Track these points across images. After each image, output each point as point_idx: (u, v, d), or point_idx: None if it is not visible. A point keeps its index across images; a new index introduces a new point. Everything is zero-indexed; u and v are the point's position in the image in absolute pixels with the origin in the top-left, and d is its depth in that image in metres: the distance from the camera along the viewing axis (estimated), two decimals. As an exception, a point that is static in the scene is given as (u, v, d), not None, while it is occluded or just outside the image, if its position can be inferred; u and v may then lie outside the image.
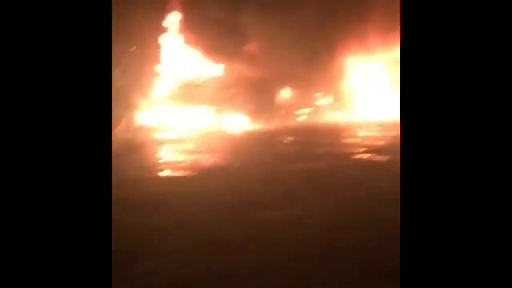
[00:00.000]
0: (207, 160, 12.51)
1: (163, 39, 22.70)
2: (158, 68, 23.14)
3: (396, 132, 13.83)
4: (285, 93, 21.87)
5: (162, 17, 22.07)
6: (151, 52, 22.58)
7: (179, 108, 22.02)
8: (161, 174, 10.96)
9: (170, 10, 22.20)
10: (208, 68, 21.90)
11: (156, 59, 22.85)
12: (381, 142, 13.42)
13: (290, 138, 16.00)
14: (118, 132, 18.99)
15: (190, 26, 21.45)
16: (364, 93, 20.63)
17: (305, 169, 10.52)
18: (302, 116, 20.85)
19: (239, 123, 20.00)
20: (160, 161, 12.97)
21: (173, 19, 22.38)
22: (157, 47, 22.73)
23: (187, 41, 21.67)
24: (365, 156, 11.74)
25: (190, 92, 22.26)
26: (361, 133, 15.89)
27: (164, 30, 22.62)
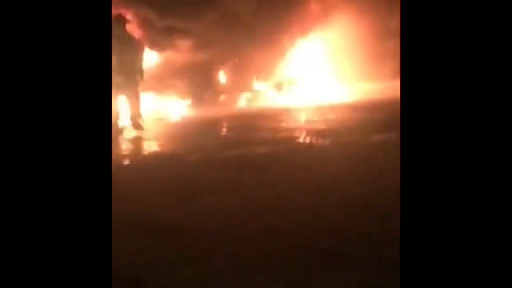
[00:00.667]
0: (151, 146, 12.49)
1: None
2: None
3: (336, 115, 14.12)
4: (225, 78, 21.87)
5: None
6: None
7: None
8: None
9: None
10: (149, 55, 21.69)
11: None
12: (321, 126, 13.59)
13: (231, 123, 16.05)
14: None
15: (133, 14, 21.16)
16: (303, 77, 20.81)
17: (246, 154, 10.61)
18: (242, 100, 20.93)
19: (180, 109, 19.94)
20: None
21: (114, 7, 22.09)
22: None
23: (129, 28, 21.38)
24: (306, 140, 11.88)
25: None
26: (301, 117, 16.04)
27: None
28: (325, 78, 20.12)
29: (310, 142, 11.49)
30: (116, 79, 18.59)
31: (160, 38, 20.60)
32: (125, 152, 11.71)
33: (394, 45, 17.25)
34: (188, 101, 20.71)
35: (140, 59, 14.85)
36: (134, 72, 14.50)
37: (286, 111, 17.40)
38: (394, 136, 9.96)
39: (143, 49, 15.59)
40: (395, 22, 17.27)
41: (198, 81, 20.99)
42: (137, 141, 13.36)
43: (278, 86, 20.98)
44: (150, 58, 21.44)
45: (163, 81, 21.05)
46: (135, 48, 14.86)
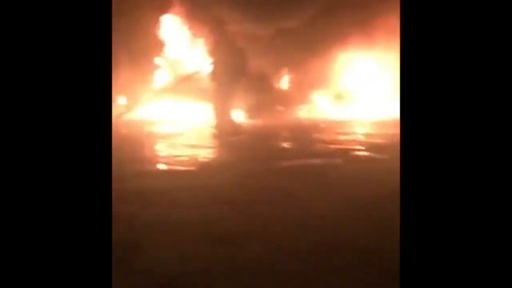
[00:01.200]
0: (205, 154, 12.50)
1: (163, 33, 22.66)
2: (157, 61, 23.10)
3: (396, 131, 13.83)
4: (283, 89, 21.84)
5: (163, 10, 22.03)
6: (151, 45, 22.54)
7: (178, 102, 22.00)
8: (159, 167, 10.94)
9: (171, 4, 22.17)
10: (206, 62, 21.86)
11: (155, 52, 22.81)
12: (379, 140, 13.40)
13: (287, 134, 15.99)
14: (117, 125, 18.95)
15: (191, 19, 21.38)
16: (361, 90, 20.62)
17: (301, 165, 10.53)
18: (300, 112, 20.84)
19: (236, 118, 19.97)
20: (158, 154, 12.95)
21: (174, 13, 22.34)
22: (157, 40, 22.69)
23: (188, 35, 21.55)
24: (363, 153, 11.73)
25: (188, 87, 22.23)
26: (359, 131, 15.87)
27: (165, 23, 22.58)
28: (386, 92, 19.87)
29: (367, 156, 11.35)
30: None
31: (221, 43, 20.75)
32: (181, 159, 11.74)
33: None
34: (244, 110, 20.75)
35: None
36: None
37: (343, 124, 17.25)
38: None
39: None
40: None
41: (256, 90, 21.02)
42: (190, 148, 13.41)
43: (337, 98, 20.83)
44: (209, 65, 21.60)
45: (220, 88, 21.17)
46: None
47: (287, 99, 21.45)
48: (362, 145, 12.68)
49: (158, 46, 22.66)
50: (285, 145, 14.17)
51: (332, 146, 12.79)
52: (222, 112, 19.91)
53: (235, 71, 21.20)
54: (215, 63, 21.17)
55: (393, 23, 19.18)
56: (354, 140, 13.78)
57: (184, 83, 22.51)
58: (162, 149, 13.83)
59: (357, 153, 11.82)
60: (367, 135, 14.85)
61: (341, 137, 14.53)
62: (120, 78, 23.01)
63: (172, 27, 22.62)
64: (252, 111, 20.62)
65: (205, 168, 10.82)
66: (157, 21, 22.29)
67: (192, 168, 10.68)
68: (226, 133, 16.81)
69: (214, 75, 21.41)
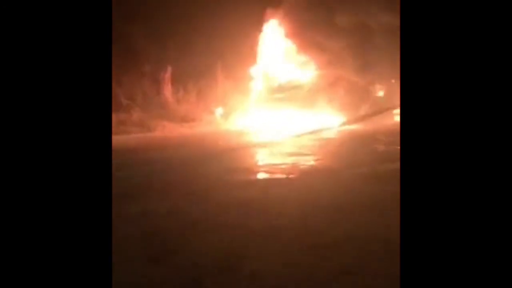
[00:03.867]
0: (305, 162, 12.47)
1: (260, 40, 22.90)
2: (254, 70, 23.35)
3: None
4: (381, 93, 21.66)
5: (260, 17, 22.28)
6: (247, 53, 22.83)
7: (275, 110, 22.15)
8: (259, 176, 11.00)
9: (269, 13, 22.36)
10: (304, 70, 21.94)
11: (252, 60, 23.08)
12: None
13: (388, 138, 15.76)
14: (216, 135, 19.26)
15: (289, 27, 21.52)
16: None
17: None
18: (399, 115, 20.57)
19: (336, 124, 19.91)
20: (258, 163, 13.03)
21: (271, 21, 22.53)
22: (254, 48, 22.96)
23: (285, 43, 21.78)
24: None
25: (286, 94, 22.36)
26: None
27: (261, 30, 22.81)
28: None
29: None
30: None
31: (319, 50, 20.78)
32: (282, 166, 11.76)
33: None
34: (343, 116, 20.67)
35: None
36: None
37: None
38: None
39: None
40: None
41: (354, 96, 20.92)
42: (290, 156, 13.42)
43: None
44: (307, 73, 21.62)
45: (318, 95, 21.14)
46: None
47: (385, 103, 21.23)
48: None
49: (254, 52, 22.90)
50: (387, 148, 13.95)
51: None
52: (320, 119, 19.86)
53: (332, 77, 21.14)
54: (313, 70, 21.20)
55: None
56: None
57: (282, 91, 22.65)
58: (261, 158, 13.92)
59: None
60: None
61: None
62: (217, 89, 23.43)
63: (270, 33, 22.81)
64: (351, 117, 20.52)
65: (306, 175, 10.78)
66: (255, 27, 22.53)
67: (294, 175, 10.68)
68: (324, 139, 16.75)
69: (312, 81, 21.42)
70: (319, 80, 22.14)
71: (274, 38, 23.11)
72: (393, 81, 20.94)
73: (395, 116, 20.64)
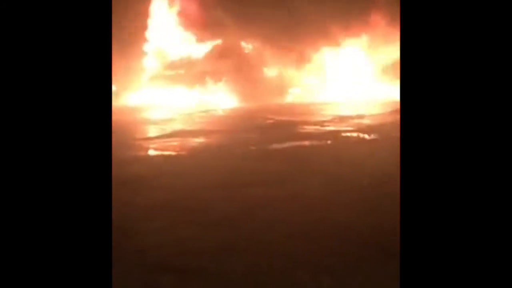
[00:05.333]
0: (196, 139, 12.58)
1: (151, 17, 22.61)
2: (146, 47, 23.07)
3: (383, 110, 14.00)
4: (273, 73, 21.91)
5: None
6: (139, 30, 22.52)
7: (167, 88, 22.04)
8: (151, 153, 11.01)
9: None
10: (195, 48, 21.87)
11: (144, 38, 22.79)
12: (367, 121, 13.55)
13: (278, 117, 16.08)
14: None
15: (180, 3, 21.35)
16: (350, 72, 20.72)
17: (293, 147, 10.64)
18: (290, 95, 20.94)
19: (227, 102, 20.04)
20: (150, 140, 13.01)
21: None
22: (145, 25, 22.65)
23: (176, 21, 21.66)
24: (353, 134, 11.85)
25: (177, 72, 22.24)
26: (348, 112, 15.99)
27: (153, 8, 22.52)
28: (372, 75, 20.02)
29: (357, 137, 11.47)
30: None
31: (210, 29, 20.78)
32: (173, 143, 11.82)
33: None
34: (234, 94, 20.80)
35: None
36: None
37: (332, 106, 17.36)
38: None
39: None
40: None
41: (246, 75, 21.06)
42: (183, 133, 13.47)
43: (326, 82, 20.92)
44: (198, 51, 21.58)
45: (210, 72, 21.17)
46: None
47: (276, 83, 21.52)
48: (351, 127, 12.79)
49: (145, 29, 22.61)
50: (276, 128, 14.25)
51: (322, 129, 12.91)
52: (211, 97, 19.96)
53: (224, 56, 21.21)
54: (204, 48, 21.20)
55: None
56: (343, 122, 13.89)
57: (173, 68, 22.52)
58: (152, 135, 13.89)
59: (346, 134, 11.93)
60: (356, 116, 14.96)
61: (330, 119, 14.64)
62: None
63: (161, 13, 22.58)
64: (242, 95, 20.67)
65: (196, 152, 10.91)
66: (145, 8, 22.24)
67: (184, 152, 10.78)
68: (215, 117, 16.89)
69: (203, 60, 21.43)
70: (212, 58, 22.16)
71: (165, 14, 22.90)
72: (284, 55, 21.21)
73: (285, 96, 20.98)
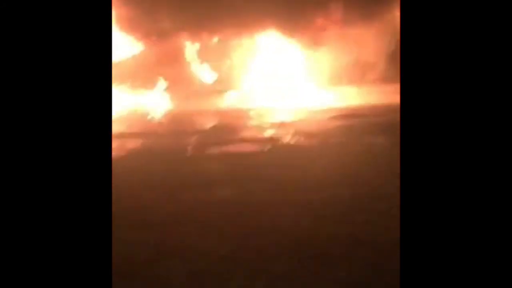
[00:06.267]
0: (132, 142, 12.58)
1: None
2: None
3: (322, 116, 14.23)
4: (211, 75, 21.84)
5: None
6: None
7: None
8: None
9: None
10: (126, 47, 21.59)
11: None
12: (308, 127, 13.77)
13: (216, 121, 16.16)
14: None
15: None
16: (291, 78, 20.88)
17: (231, 152, 10.80)
18: (228, 99, 20.96)
19: (163, 104, 19.93)
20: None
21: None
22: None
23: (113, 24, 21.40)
24: (293, 139, 12.06)
25: (115, 74, 21.91)
26: (289, 118, 16.17)
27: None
28: (313, 81, 20.25)
29: (297, 142, 11.68)
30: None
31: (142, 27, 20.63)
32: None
33: (382, 49, 17.59)
34: (171, 97, 20.64)
35: None
36: None
37: (273, 111, 17.53)
38: (381, 139, 10.24)
39: None
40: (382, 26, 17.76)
41: (181, 74, 20.93)
42: (120, 136, 13.42)
43: (265, 86, 21.00)
44: (130, 50, 21.36)
45: (142, 75, 20.99)
46: None
47: (215, 86, 21.48)
48: (290, 133, 12.99)
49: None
50: (214, 132, 14.34)
51: (261, 133, 13.09)
52: (147, 98, 19.84)
53: (157, 55, 21.10)
54: (136, 47, 21.03)
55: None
56: (283, 128, 14.07)
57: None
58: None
59: (285, 140, 12.13)
60: (296, 122, 15.17)
61: (270, 124, 14.81)
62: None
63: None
64: (179, 98, 20.56)
65: (133, 155, 10.94)
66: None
67: (122, 154, 10.78)
68: (152, 119, 16.86)
69: (137, 59, 21.26)
70: (150, 60, 21.97)
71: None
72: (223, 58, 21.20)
73: (224, 99, 20.94)
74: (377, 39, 19.03)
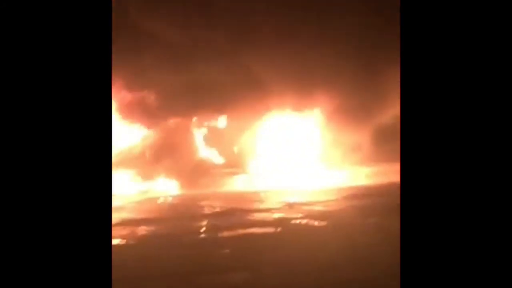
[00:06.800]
0: (143, 228, 12.71)
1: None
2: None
3: (332, 197, 14.36)
4: (217, 158, 21.97)
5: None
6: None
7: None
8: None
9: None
10: (132, 134, 21.82)
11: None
12: (317, 208, 13.90)
13: (226, 204, 16.30)
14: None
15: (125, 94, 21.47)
16: (299, 159, 21.03)
17: (241, 235, 10.95)
18: (237, 182, 21.06)
19: (170, 188, 20.04)
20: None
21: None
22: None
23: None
24: (303, 221, 12.20)
25: (120, 160, 22.10)
26: (299, 199, 16.27)
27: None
28: (322, 162, 20.42)
29: (307, 223, 11.82)
30: None
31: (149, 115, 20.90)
32: (122, 232, 11.95)
33: (389, 129, 17.86)
34: (177, 180, 20.71)
35: None
36: None
37: (282, 193, 17.62)
38: (390, 220, 10.42)
39: None
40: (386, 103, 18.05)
41: (188, 159, 21.08)
42: (129, 223, 13.56)
43: (270, 168, 21.06)
44: (134, 137, 21.59)
45: (151, 158, 21.12)
46: None
47: (220, 169, 21.60)
48: (301, 213, 13.14)
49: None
50: (224, 216, 14.47)
51: (272, 215, 13.23)
52: (153, 183, 20.00)
53: (163, 140, 21.36)
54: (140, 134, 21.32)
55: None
56: (293, 209, 14.21)
57: (115, 158, 22.55)
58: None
59: (296, 221, 12.28)
60: (306, 203, 15.30)
61: (280, 206, 14.92)
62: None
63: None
64: (185, 181, 20.64)
65: (145, 241, 11.09)
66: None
67: (132, 242, 10.93)
68: (160, 204, 17.00)
69: (143, 145, 21.53)
70: (154, 145, 22.23)
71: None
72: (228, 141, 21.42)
73: (229, 182, 21.01)
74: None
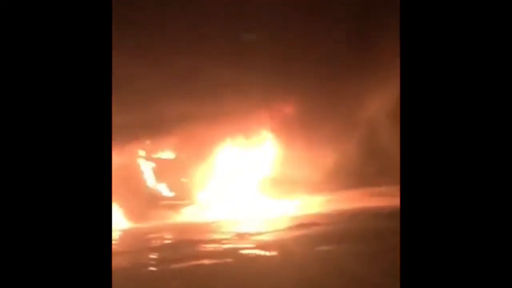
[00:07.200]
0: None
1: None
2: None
3: (282, 226, 14.49)
4: (165, 188, 21.83)
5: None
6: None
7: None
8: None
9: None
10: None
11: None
12: (267, 237, 14.00)
13: (172, 235, 16.26)
14: None
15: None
16: (246, 188, 21.08)
17: (191, 267, 10.97)
18: (186, 213, 21.00)
19: (118, 222, 19.86)
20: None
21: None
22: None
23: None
24: (252, 251, 12.27)
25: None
26: (248, 229, 16.33)
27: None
28: (271, 190, 20.50)
29: (256, 253, 11.88)
30: None
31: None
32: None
33: (340, 157, 18.09)
34: (123, 212, 20.51)
35: None
36: None
37: (231, 223, 17.65)
38: (339, 247, 10.59)
39: None
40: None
41: (134, 190, 20.89)
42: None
43: (219, 198, 21.06)
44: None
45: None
46: None
47: (170, 201, 21.48)
48: (252, 244, 13.22)
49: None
50: (174, 248, 14.43)
51: (222, 246, 13.27)
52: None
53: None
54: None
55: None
56: (243, 239, 14.28)
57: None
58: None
59: (246, 251, 12.34)
60: (256, 233, 15.38)
61: (228, 236, 14.97)
62: None
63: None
64: (131, 212, 20.45)
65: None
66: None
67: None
68: (117, 238, 16.85)
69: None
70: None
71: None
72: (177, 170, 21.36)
73: (178, 213, 20.93)
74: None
